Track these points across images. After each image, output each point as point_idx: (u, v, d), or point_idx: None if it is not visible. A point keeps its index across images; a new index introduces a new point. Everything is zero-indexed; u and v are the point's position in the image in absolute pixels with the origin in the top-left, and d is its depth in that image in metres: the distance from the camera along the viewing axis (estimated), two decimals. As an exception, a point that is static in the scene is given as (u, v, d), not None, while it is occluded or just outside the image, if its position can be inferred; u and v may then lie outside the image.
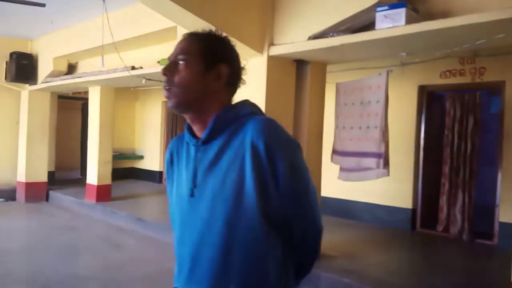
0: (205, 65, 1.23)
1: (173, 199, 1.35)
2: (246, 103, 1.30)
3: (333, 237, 5.08)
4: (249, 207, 1.15)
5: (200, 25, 3.65)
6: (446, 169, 5.53)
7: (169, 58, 1.27)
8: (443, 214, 5.55)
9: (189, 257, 1.23)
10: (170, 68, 1.24)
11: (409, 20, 3.24)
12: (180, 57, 1.24)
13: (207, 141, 1.24)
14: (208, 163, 1.22)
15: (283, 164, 1.16)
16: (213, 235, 1.18)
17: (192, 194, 1.24)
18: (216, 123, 1.23)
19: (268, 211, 1.17)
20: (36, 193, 8.48)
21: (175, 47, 1.28)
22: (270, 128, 1.18)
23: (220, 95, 1.26)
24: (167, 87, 1.24)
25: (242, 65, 1.32)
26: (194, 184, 1.24)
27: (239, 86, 1.32)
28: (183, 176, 1.29)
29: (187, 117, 1.28)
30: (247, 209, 1.16)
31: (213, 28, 1.31)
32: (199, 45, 1.25)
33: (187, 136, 1.30)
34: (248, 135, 1.17)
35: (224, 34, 1.30)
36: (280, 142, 1.18)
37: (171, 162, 1.38)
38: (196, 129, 1.28)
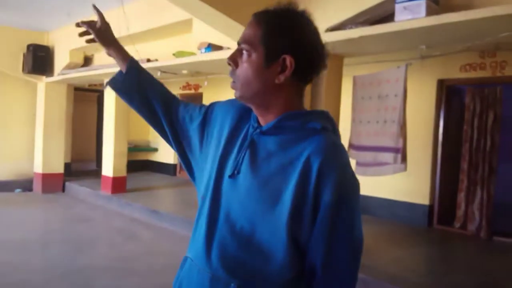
0: (266, 57, 1.09)
1: (210, 160, 1.23)
2: (322, 115, 1.16)
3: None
4: (279, 219, 1.06)
5: (216, 17, 3.65)
6: (464, 165, 5.43)
7: (237, 43, 1.16)
8: (460, 211, 5.46)
9: (205, 233, 1.16)
10: (234, 58, 1.13)
11: (429, 12, 3.18)
12: (243, 46, 1.12)
13: (266, 133, 1.14)
14: (258, 156, 1.13)
15: (331, 192, 1.03)
16: (236, 228, 1.11)
17: (231, 176, 1.14)
18: (279, 123, 1.12)
19: (295, 233, 1.06)
20: (53, 184, 8.60)
21: (244, 30, 1.15)
22: (332, 151, 1.06)
23: (286, 88, 1.12)
24: (232, 79, 1.15)
25: (318, 47, 1.12)
26: (237, 169, 1.14)
27: (316, 74, 1.15)
28: (234, 152, 1.18)
29: (251, 107, 1.19)
30: (276, 220, 1.06)
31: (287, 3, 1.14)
32: (260, 32, 1.10)
33: (253, 116, 1.20)
34: (307, 150, 1.06)
35: (300, 9, 1.12)
36: (337, 169, 1.05)
37: (231, 112, 1.25)
38: (259, 117, 1.18)
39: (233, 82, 1.14)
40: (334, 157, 1.06)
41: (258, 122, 1.18)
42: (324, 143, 1.07)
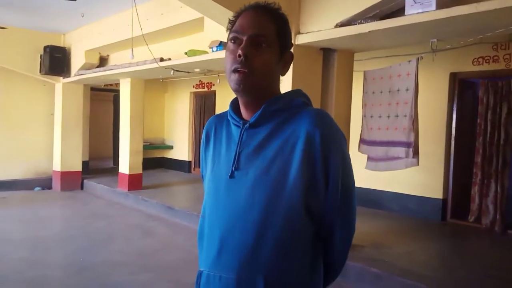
0: (280, 51, 1.19)
1: (207, 178, 1.28)
2: (299, 93, 1.25)
3: (361, 227, 5.00)
4: (291, 198, 1.12)
5: (227, 15, 3.69)
6: (478, 158, 5.39)
7: (237, 32, 1.17)
8: (474, 205, 5.42)
9: (218, 240, 1.18)
10: (251, 49, 1.14)
11: (439, 5, 3.15)
12: (262, 39, 1.15)
13: (255, 125, 1.19)
14: (253, 148, 1.17)
15: (336, 158, 1.14)
16: (248, 221, 1.13)
17: (231, 176, 1.18)
18: (266, 110, 1.18)
19: (311, 204, 1.14)
20: (71, 181, 8.79)
21: (246, 22, 1.17)
22: (326, 121, 1.15)
23: (278, 80, 1.24)
24: (243, 70, 1.14)
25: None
26: (235, 166, 1.18)
27: None
28: (222, 156, 1.24)
29: (245, 100, 1.21)
30: (288, 200, 1.12)
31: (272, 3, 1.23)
32: (275, 27, 1.18)
33: (231, 116, 1.24)
34: (303, 126, 1.13)
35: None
36: (335, 135, 1.16)
37: (206, 140, 1.32)
38: (247, 111, 1.22)
39: (244, 71, 1.14)
40: (330, 126, 1.16)
41: (240, 117, 1.23)
42: (316, 115, 1.16)
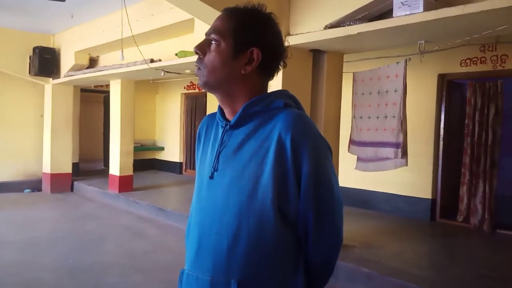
0: (235, 48, 1.16)
1: (195, 178, 1.31)
2: (282, 94, 1.22)
3: (351, 227, 5.08)
4: (263, 201, 1.10)
5: (216, 17, 3.71)
6: (466, 159, 5.45)
7: (205, 34, 1.21)
8: (463, 205, 5.49)
9: (196, 241, 1.20)
10: (202, 47, 1.19)
11: (427, 7, 3.19)
12: (212, 36, 1.18)
13: (235, 126, 1.19)
14: (231, 149, 1.18)
15: (308, 162, 1.10)
16: (223, 223, 1.14)
17: (211, 177, 1.19)
18: (245, 112, 1.18)
19: (284, 209, 1.12)
20: (61, 183, 8.72)
21: (213, 23, 1.22)
22: (300, 123, 1.12)
23: (251, 80, 1.19)
24: (197, 66, 1.21)
25: (281, 47, 1.22)
26: (214, 167, 1.19)
27: (277, 70, 1.24)
28: (207, 156, 1.25)
29: (216, 98, 1.24)
30: (260, 203, 1.11)
31: (254, 3, 1.22)
32: (231, 25, 1.17)
33: (218, 116, 1.26)
34: (276, 129, 1.12)
35: (265, 11, 1.21)
36: (309, 139, 1.12)
37: (198, 140, 1.34)
38: (226, 111, 1.23)
39: (199, 69, 1.20)
40: (303, 129, 1.12)
41: (225, 118, 1.24)
42: (290, 118, 1.13)
